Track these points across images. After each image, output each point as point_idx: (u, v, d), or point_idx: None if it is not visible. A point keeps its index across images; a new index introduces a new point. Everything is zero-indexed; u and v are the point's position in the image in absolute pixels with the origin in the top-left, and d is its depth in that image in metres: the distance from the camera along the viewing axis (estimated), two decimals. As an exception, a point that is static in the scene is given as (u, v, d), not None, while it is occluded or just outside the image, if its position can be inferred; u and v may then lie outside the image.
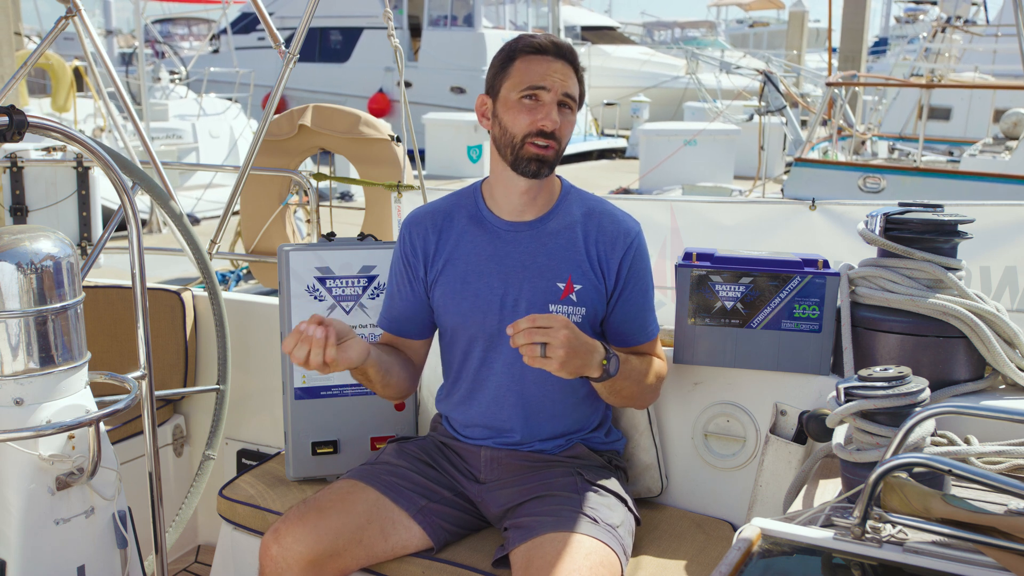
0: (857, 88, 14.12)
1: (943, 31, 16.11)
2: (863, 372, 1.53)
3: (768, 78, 11.92)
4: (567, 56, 1.85)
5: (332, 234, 2.37)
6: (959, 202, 2.89)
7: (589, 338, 1.74)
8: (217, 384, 2.68)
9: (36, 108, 10.55)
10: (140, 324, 1.87)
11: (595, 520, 1.81)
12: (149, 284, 2.40)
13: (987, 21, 17.51)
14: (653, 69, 23.96)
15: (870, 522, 1.23)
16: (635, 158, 16.46)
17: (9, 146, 4.59)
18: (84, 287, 1.84)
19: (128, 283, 2.83)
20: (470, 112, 15.40)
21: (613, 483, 1.96)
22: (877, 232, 1.95)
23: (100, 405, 1.81)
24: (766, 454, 1.98)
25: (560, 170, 1.98)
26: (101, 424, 1.75)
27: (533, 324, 1.65)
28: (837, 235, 3.27)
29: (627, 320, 1.96)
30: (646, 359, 1.97)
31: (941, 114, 15.07)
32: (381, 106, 19.96)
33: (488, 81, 1.91)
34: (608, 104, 21.49)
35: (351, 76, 20.75)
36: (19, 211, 4.43)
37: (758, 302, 2.04)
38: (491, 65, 1.91)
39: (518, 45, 1.87)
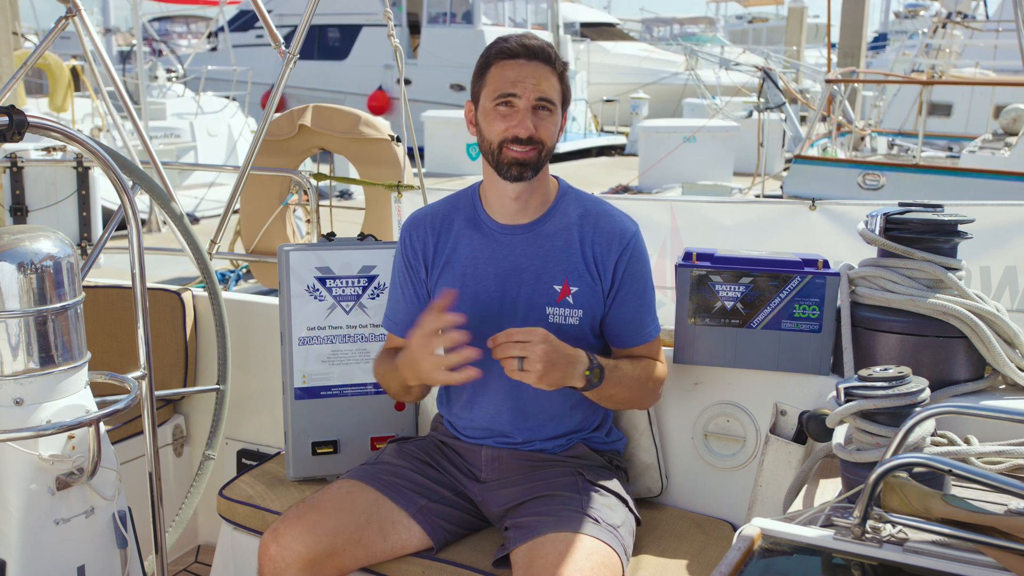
0: (856, 84, 14.12)
1: (943, 27, 16.09)
2: (863, 372, 1.53)
3: (767, 74, 11.92)
4: (541, 57, 1.83)
5: (332, 234, 2.37)
6: (959, 202, 2.89)
7: (570, 349, 1.75)
8: (217, 384, 2.68)
9: (34, 108, 10.55)
10: (140, 324, 1.87)
11: (597, 520, 1.81)
12: (149, 284, 2.40)
13: (987, 17, 17.50)
14: (652, 66, 23.97)
15: (870, 522, 1.23)
16: (634, 155, 16.46)
17: (9, 146, 4.59)
18: (84, 287, 1.84)
19: (128, 283, 2.83)
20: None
21: (614, 483, 1.96)
22: (877, 232, 1.95)
23: (100, 405, 1.81)
24: (766, 454, 1.99)
25: (559, 167, 1.98)
26: (101, 424, 1.75)
27: (510, 338, 1.66)
28: (837, 235, 3.28)
29: (624, 322, 1.95)
30: (640, 363, 1.96)
31: (942, 110, 15.08)
32: (380, 103, 19.96)
33: (471, 88, 1.92)
34: (607, 101, 21.49)
35: (350, 74, 20.75)
36: (19, 211, 4.43)
37: (758, 302, 2.04)
38: (473, 72, 1.90)
39: (492, 51, 1.86)
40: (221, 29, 19.11)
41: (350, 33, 21.36)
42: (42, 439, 1.71)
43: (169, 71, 13.87)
